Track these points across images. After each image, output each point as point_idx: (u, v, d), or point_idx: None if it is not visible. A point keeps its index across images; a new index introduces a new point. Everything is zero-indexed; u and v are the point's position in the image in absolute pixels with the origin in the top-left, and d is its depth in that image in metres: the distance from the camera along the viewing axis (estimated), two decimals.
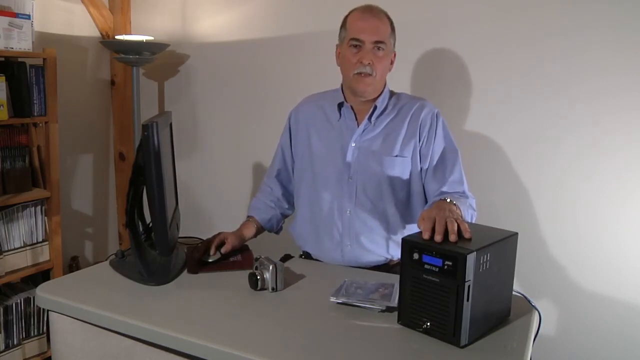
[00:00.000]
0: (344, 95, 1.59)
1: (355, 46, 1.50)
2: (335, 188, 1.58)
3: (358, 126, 1.57)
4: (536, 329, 1.20)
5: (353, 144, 1.56)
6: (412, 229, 1.58)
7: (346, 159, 1.56)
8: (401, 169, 1.54)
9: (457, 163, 1.55)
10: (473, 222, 1.44)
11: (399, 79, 2.13)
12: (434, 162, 1.54)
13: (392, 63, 1.59)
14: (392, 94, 1.62)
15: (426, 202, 1.57)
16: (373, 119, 1.56)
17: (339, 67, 1.59)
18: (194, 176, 2.73)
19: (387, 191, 1.55)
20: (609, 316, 1.89)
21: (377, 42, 1.49)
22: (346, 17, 1.56)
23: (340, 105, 1.59)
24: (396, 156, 1.54)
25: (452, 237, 1.10)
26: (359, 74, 1.50)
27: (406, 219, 1.58)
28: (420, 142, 1.55)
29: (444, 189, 1.51)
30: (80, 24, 2.63)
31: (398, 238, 1.56)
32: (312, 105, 1.68)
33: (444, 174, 1.53)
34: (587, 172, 1.88)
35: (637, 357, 1.87)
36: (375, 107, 1.55)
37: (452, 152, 1.56)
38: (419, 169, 1.56)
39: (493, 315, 1.15)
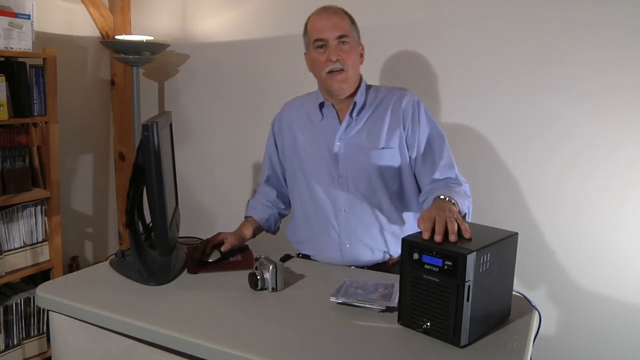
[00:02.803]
0: (323, 96, 1.60)
1: (321, 46, 1.52)
2: (328, 188, 1.58)
3: (340, 124, 1.57)
4: (536, 329, 1.20)
5: (338, 142, 1.56)
6: (408, 219, 1.59)
7: (334, 158, 1.56)
8: (390, 160, 1.54)
9: (445, 147, 1.55)
10: (470, 210, 1.44)
11: (399, 79, 2.14)
12: (422, 150, 1.54)
13: (362, 56, 1.60)
14: (369, 87, 1.62)
15: (419, 190, 1.58)
16: (354, 114, 1.56)
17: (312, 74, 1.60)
18: (194, 176, 2.73)
19: (378, 184, 1.55)
20: (609, 316, 1.89)
21: (340, 36, 1.50)
22: (306, 23, 1.58)
23: (321, 106, 1.60)
24: (383, 148, 1.54)
25: (452, 237, 1.10)
26: (331, 72, 1.51)
27: (401, 210, 1.59)
28: (405, 132, 1.55)
29: (436, 175, 1.51)
30: (80, 24, 2.63)
31: (396, 230, 1.58)
32: (293, 109, 1.69)
33: (433, 159, 1.53)
34: (587, 172, 1.88)
35: (637, 357, 1.87)
36: (355, 103, 1.56)
37: (438, 137, 1.56)
38: (408, 158, 1.56)
39: (493, 315, 1.15)
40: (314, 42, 1.53)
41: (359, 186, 1.56)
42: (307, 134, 1.62)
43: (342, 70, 1.50)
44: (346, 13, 1.56)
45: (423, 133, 1.55)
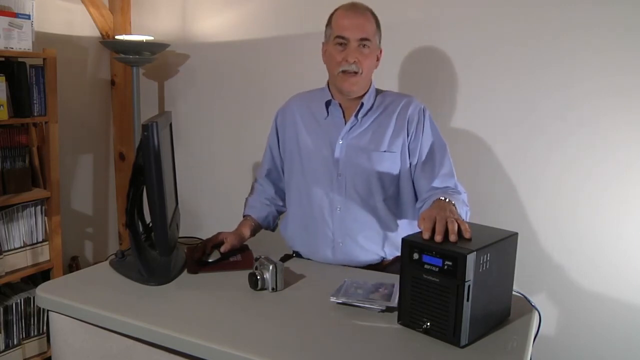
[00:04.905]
0: (331, 93, 1.60)
1: (341, 44, 1.50)
2: (325, 185, 1.58)
3: (345, 123, 1.58)
4: (536, 329, 1.20)
5: (341, 141, 1.57)
6: (403, 225, 1.59)
7: (335, 156, 1.57)
8: (390, 164, 1.55)
9: (446, 156, 1.56)
10: (467, 218, 1.45)
11: (399, 79, 2.14)
12: (423, 157, 1.55)
13: (378, 60, 1.59)
14: (377, 91, 1.63)
15: (416, 198, 1.58)
16: (360, 116, 1.57)
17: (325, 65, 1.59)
18: (194, 176, 2.73)
19: (376, 187, 1.55)
20: (609, 316, 1.89)
21: (362, 39, 1.49)
22: (332, 14, 1.56)
23: (328, 103, 1.60)
24: (384, 151, 1.54)
25: (452, 237, 1.10)
26: (344, 72, 1.50)
27: (397, 215, 1.59)
28: (409, 138, 1.55)
29: (435, 183, 1.51)
30: (80, 24, 2.63)
31: (390, 235, 1.58)
32: (298, 104, 1.69)
33: (434, 168, 1.53)
34: (587, 171, 1.88)
35: (637, 357, 1.87)
36: (362, 105, 1.56)
37: (440, 146, 1.56)
38: (408, 164, 1.56)
39: (493, 315, 1.15)
40: (335, 38, 1.51)
41: (356, 186, 1.56)
42: (310, 129, 1.62)
43: (356, 73, 1.50)
44: (374, 15, 1.54)
45: (426, 141, 1.55)
